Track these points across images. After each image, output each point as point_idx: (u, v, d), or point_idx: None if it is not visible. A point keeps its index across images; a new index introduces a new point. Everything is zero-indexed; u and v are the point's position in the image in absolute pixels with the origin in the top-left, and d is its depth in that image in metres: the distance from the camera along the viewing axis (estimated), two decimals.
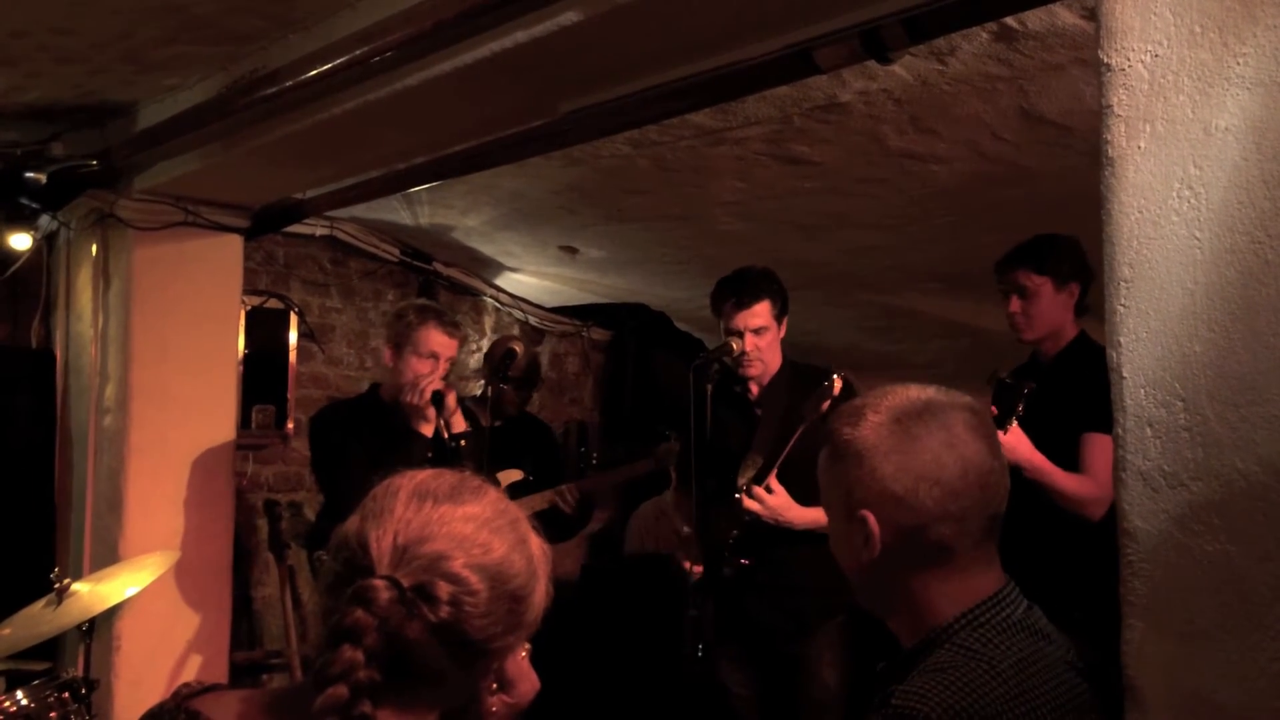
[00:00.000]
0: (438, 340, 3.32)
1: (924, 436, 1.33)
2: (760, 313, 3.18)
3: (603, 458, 5.72)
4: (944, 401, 1.36)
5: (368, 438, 3.31)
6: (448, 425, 3.28)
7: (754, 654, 3.24)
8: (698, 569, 3.11)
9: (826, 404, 2.87)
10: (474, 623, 1.14)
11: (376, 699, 1.10)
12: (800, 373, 3.28)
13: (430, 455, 3.27)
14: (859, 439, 1.36)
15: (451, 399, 3.30)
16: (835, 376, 2.91)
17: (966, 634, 1.29)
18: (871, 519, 1.34)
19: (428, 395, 3.27)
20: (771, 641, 3.19)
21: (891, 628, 1.40)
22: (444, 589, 1.13)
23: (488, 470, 3.47)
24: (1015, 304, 2.89)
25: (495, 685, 1.22)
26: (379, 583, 1.11)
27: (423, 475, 1.23)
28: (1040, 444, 2.62)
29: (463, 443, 3.29)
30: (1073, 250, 2.89)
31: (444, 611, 1.12)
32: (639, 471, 3.78)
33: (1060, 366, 2.88)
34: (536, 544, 1.25)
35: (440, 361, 3.32)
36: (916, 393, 1.38)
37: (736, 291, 3.20)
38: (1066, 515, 2.68)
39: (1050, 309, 2.87)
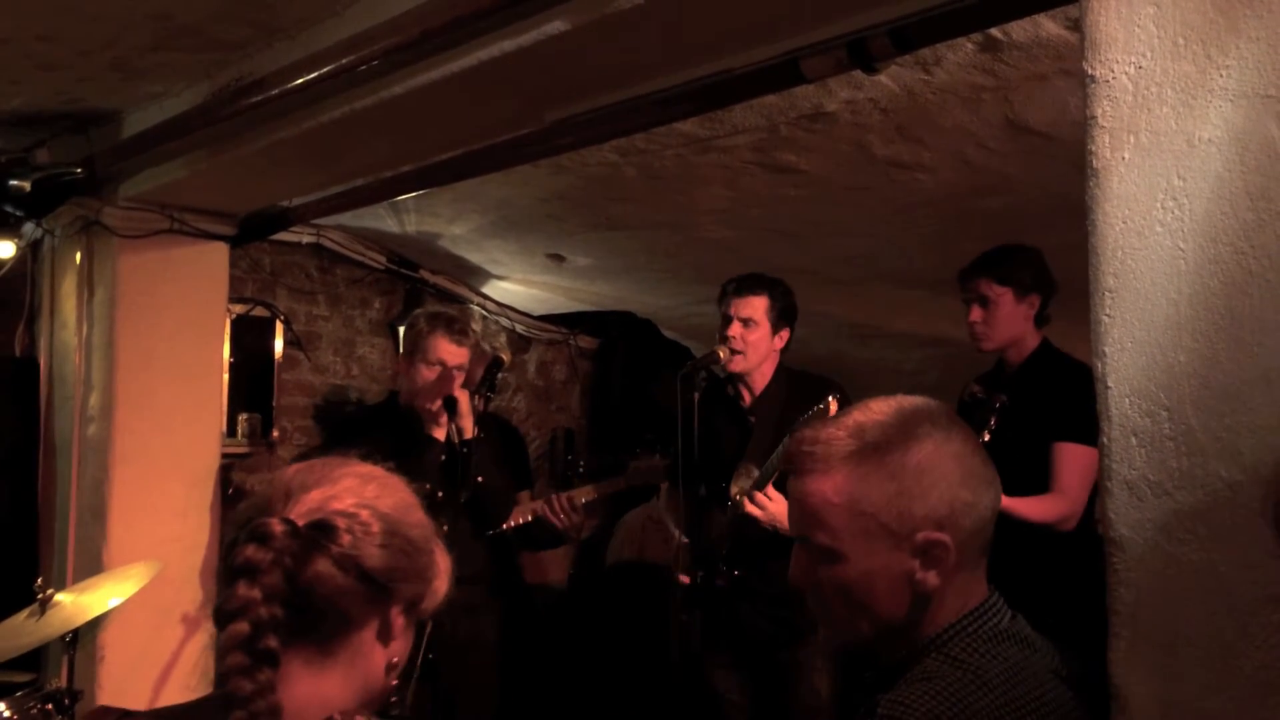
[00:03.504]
0: (445, 349, 3.37)
1: (968, 439, 1.30)
2: (754, 305, 3.22)
3: (589, 466, 5.72)
4: (945, 406, 1.35)
5: (383, 441, 3.32)
6: (459, 430, 3.30)
7: (746, 661, 3.25)
8: (685, 578, 3.12)
9: None
10: (371, 552, 1.18)
11: (285, 638, 1.12)
12: (797, 381, 3.28)
13: (443, 459, 3.30)
14: (919, 452, 1.26)
15: (464, 403, 3.32)
16: (831, 399, 2.90)
17: (955, 643, 1.27)
18: (949, 539, 1.24)
19: (440, 400, 3.32)
20: (764, 649, 3.20)
21: (880, 651, 1.33)
22: (339, 520, 1.18)
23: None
24: (976, 313, 2.90)
25: (382, 635, 1.23)
26: (273, 520, 1.15)
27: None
28: (1009, 453, 2.62)
29: (472, 448, 3.31)
30: (1034, 261, 2.91)
31: (343, 540, 1.17)
32: (608, 491, 3.77)
33: (1026, 374, 2.89)
34: (432, 530, 1.29)
35: (449, 369, 3.35)
36: (922, 399, 1.32)
37: (739, 280, 3.29)
38: (1036, 527, 2.68)
39: (1010, 319, 2.89)
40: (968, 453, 1.29)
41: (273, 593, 1.12)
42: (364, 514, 1.19)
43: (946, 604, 1.29)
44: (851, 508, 1.25)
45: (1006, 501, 2.55)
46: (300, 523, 1.17)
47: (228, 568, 1.15)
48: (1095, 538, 2.80)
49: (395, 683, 1.26)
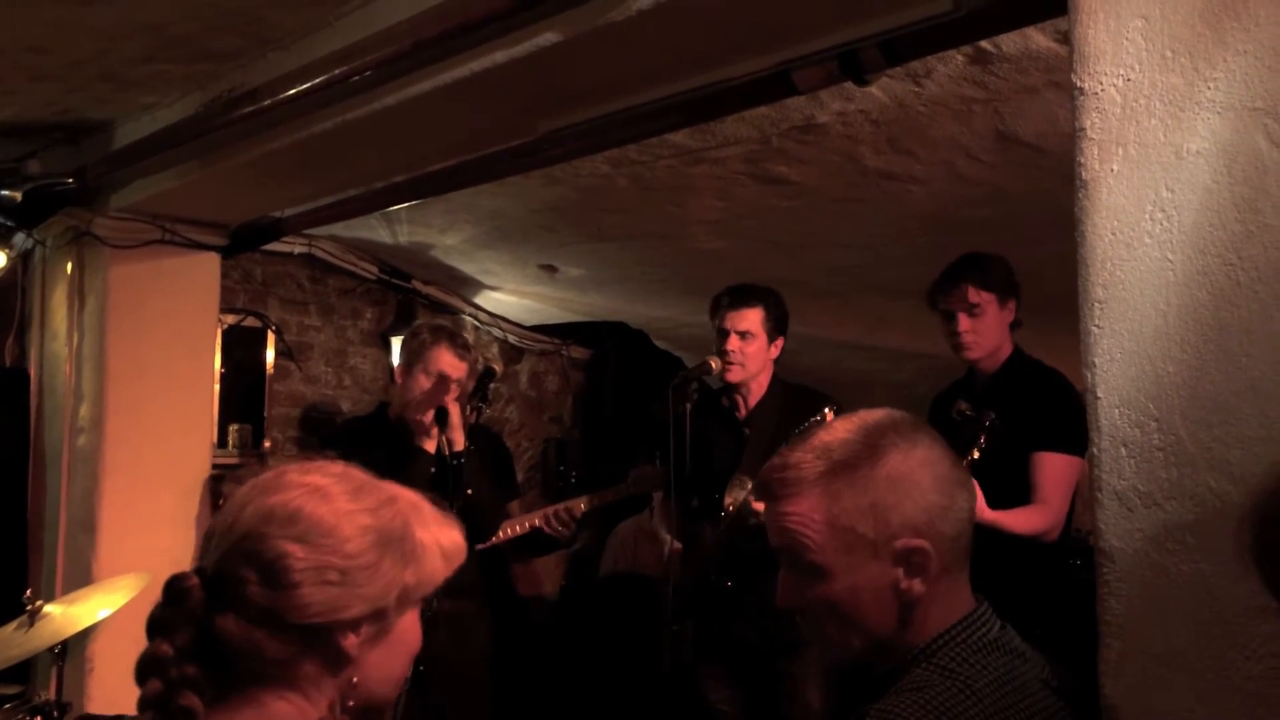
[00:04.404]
0: (447, 361, 3.36)
1: (934, 444, 1.31)
2: (750, 318, 3.21)
3: (582, 476, 5.72)
4: (907, 415, 1.36)
5: (374, 454, 3.31)
6: (450, 443, 3.30)
7: (739, 672, 3.24)
8: (679, 545, 3.10)
9: None
10: (288, 599, 1.11)
11: (213, 691, 1.09)
12: (792, 394, 3.28)
13: (433, 471, 3.29)
14: (887, 464, 1.27)
15: (455, 416, 3.31)
16: (828, 410, 2.90)
17: (944, 653, 1.27)
18: (928, 544, 1.25)
19: (432, 412, 3.31)
20: (757, 660, 3.19)
21: (872, 665, 1.33)
22: (248, 572, 1.11)
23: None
24: (965, 322, 2.85)
25: (331, 664, 1.15)
26: (189, 574, 1.12)
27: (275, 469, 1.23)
28: (990, 465, 2.61)
29: (462, 461, 3.30)
30: (1006, 266, 2.91)
31: (249, 592, 1.10)
32: (608, 499, 3.76)
33: (1001, 383, 2.87)
34: (396, 517, 1.20)
35: (449, 382, 3.34)
36: (884, 411, 1.34)
37: (732, 293, 3.28)
38: (1019, 539, 2.67)
39: (996, 325, 2.87)
40: (935, 458, 1.31)
41: (184, 650, 1.09)
42: (283, 550, 1.11)
43: (933, 613, 1.29)
44: (830, 524, 1.27)
45: (992, 514, 2.56)
46: (212, 571, 1.12)
47: (148, 621, 1.12)
48: (1076, 546, 2.80)
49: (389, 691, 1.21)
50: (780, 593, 1.35)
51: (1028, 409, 2.70)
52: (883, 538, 1.26)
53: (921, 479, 1.27)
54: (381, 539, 1.17)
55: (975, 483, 2.50)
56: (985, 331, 2.85)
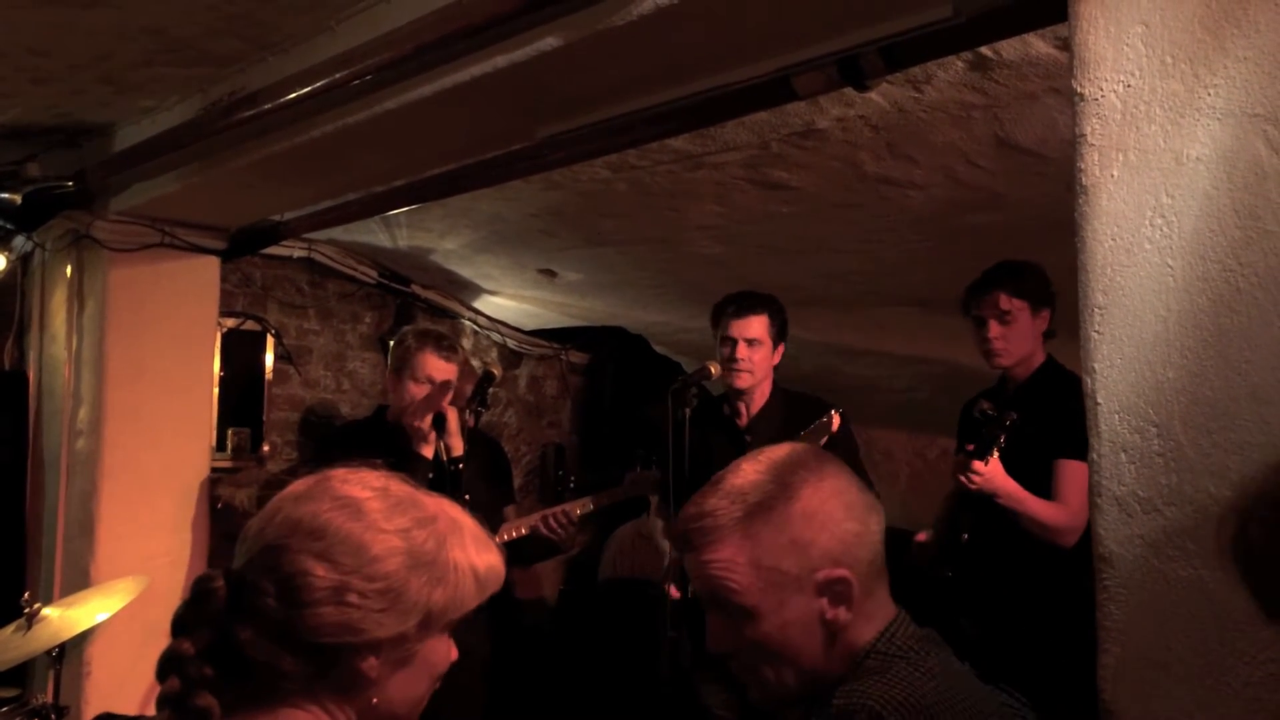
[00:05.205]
0: (434, 365, 3.36)
1: (840, 472, 1.34)
2: (756, 325, 3.24)
3: (580, 481, 5.72)
4: (811, 447, 1.40)
5: (371, 457, 3.31)
6: (448, 448, 3.29)
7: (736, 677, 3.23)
8: (675, 592, 3.10)
9: (824, 440, 2.87)
10: (304, 618, 1.08)
11: (231, 697, 1.07)
12: (794, 401, 3.29)
13: (431, 476, 3.29)
14: (800, 500, 1.29)
15: (453, 421, 3.31)
16: (834, 412, 2.90)
17: (886, 644, 1.30)
18: (849, 573, 1.28)
19: (429, 417, 3.30)
20: None
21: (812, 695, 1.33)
22: (268, 584, 1.09)
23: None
24: (995, 329, 2.85)
25: (346, 687, 1.12)
26: (216, 575, 1.11)
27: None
28: (1013, 468, 2.62)
29: (460, 466, 3.29)
30: (1043, 275, 2.91)
31: (266, 605, 1.09)
32: (605, 502, 3.76)
33: (1031, 391, 2.87)
34: (430, 538, 1.17)
35: (438, 386, 3.34)
36: (793, 446, 1.38)
37: (737, 301, 3.30)
38: (1038, 542, 2.67)
39: (1027, 333, 2.87)
40: (843, 487, 1.33)
41: (204, 651, 1.08)
42: (303, 567, 1.08)
43: (864, 629, 1.31)
44: (754, 566, 1.29)
45: (1015, 486, 2.57)
46: (236, 576, 1.11)
47: (172, 618, 1.12)
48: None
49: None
50: (711, 639, 1.37)
51: (1055, 418, 2.69)
52: (805, 571, 1.28)
53: (834, 509, 1.30)
54: (410, 561, 1.13)
55: (998, 461, 2.53)
56: (1016, 339, 2.85)
